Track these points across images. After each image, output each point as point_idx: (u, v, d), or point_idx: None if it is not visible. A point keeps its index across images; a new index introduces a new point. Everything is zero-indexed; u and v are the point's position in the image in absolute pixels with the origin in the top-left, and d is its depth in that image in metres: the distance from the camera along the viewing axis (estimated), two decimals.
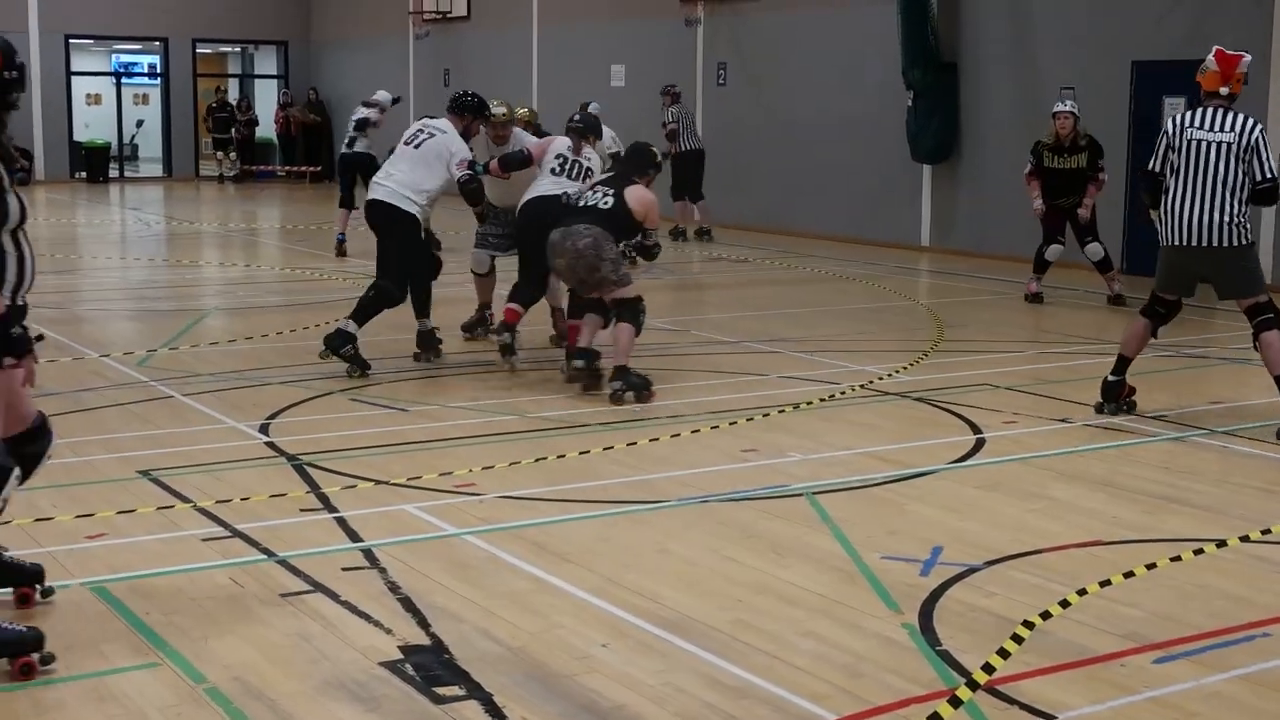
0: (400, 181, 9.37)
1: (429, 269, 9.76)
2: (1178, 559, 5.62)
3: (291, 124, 30.19)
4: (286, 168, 30.52)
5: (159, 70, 30.75)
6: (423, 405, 8.43)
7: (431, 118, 9.87)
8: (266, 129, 31.08)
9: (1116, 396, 8.33)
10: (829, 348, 10.52)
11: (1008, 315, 12.46)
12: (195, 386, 8.90)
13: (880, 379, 9.33)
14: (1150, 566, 5.51)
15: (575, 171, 9.63)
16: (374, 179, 9.68)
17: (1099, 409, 8.33)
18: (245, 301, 13.02)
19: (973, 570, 5.45)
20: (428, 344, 9.81)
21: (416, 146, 9.50)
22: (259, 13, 30.99)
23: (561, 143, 9.81)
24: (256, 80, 33.64)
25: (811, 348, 10.54)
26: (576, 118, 10.11)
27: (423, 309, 9.73)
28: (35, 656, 4.39)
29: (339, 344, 9.21)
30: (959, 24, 17.18)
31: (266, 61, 33.09)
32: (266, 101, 31.78)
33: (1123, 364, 8.34)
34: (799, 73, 19.25)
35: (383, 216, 9.41)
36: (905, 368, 9.74)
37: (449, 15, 26.36)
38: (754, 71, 19.98)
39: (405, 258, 9.41)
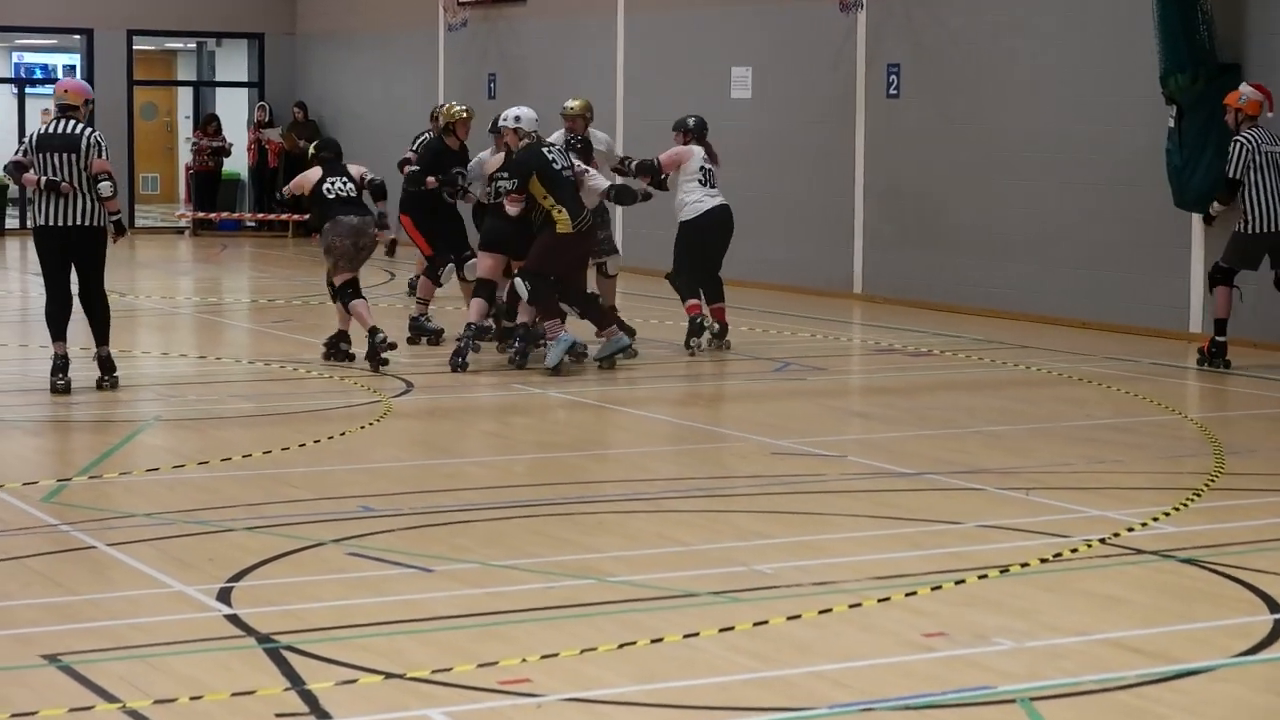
0: None
1: None
2: None
3: (269, 153, 30.35)
4: (259, 215, 30.77)
5: (80, 75, 31.33)
6: (454, 563, 8.44)
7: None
8: (235, 160, 31.32)
9: None
10: (1052, 483, 10.46)
11: None
12: (125, 533, 8.96)
13: (1130, 530, 9.26)
14: None
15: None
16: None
17: None
18: (199, 409, 13.16)
19: None
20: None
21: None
22: None
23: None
24: (219, 90, 34.08)
25: (1026, 482, 10.48)
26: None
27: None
28: None
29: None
30: (1244, 10, 17.15)
31: (233, 63, 33.55)
32: (232, 119, 32.05)
33: None
34: (1003, 80, 19.28)
35: None
36: (1167, 514, 9.66)
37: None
38: (938, 77, 20.02)
39: None
